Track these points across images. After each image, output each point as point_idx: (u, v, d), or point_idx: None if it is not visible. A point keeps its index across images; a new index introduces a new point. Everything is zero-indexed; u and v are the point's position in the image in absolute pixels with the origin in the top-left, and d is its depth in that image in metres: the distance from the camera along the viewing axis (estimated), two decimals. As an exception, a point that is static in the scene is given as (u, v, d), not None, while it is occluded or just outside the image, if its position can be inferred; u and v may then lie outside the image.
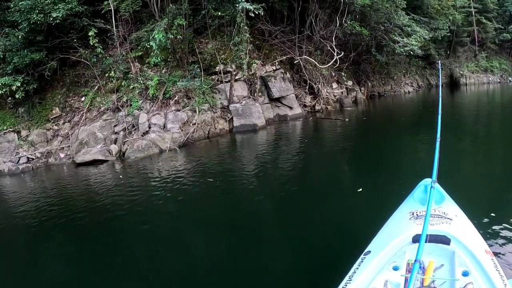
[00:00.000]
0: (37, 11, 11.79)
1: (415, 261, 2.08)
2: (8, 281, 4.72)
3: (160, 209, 6.61)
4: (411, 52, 17.08)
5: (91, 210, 7.01)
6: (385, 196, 5.73)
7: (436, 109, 3.81)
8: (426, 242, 2.40)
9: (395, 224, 3.09)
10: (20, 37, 12.11)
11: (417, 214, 3.00)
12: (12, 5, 12.12)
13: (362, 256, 2.71)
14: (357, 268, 2.55)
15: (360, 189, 6.27)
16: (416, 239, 2.57)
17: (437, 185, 3.22)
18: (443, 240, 2.51)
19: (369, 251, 2.74)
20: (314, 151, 10.40)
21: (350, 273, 2.52)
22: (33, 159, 12.42)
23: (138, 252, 5.10)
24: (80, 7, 12.57)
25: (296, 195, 6.60)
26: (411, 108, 17.40)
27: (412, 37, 16.64)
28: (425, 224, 2.36)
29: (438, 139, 3.36)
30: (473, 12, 26.17)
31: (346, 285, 2.39)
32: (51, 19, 11.90)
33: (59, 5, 11.99)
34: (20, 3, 11.64)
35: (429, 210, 2.50)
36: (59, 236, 6.24)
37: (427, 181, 3.37)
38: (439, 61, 6.49)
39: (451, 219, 2.86)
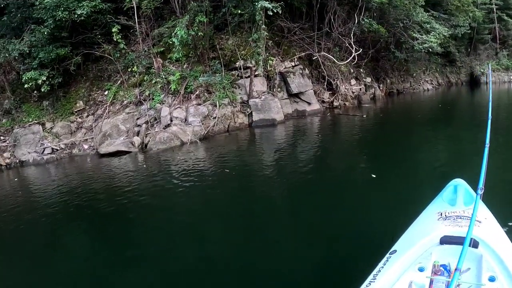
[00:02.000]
0: (62, 9, 12.49)
1: (456, 269, 1.98)
2: (31, 267, 5.06)
3: (179, 199, 6.96)
4: (430, 49, 17.26)
5: (113, 199, 7.47)
6: (402, 191, 5.90)
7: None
8: (454, 244, 2.47)
9: (422, 224, 3.07)
10: (45, 33, 12.78)
11: (445, 215, 2.96)
12: (37, 3, 12.77)
13: (387, 255, 2.72)
14: (382, 267, 2.55)
15: (374, 176, 6.62)
16: (444, 240, 2.56)
17: (466, 185, 3.29)
18: (471, 243, 2.40)
19: (395, 250, 2.74)
20: (331, 145, 10.75)
21: (374, 272, 2.54)
22: (57, 150, 13.14)
23: (156, 241, 5.34)
24: (103, 4, 13.20)
25: (313, 187, 6.77)
26: (430, 106, 17.55)
27: (431, 34, 16.79)
28: (470, 227, 2.29)
29: (487, 145, 3.21)
30: (495, 9, 26.11)
31: (370, 283, 2.40)
32: (76, 16, 12.60)
33: (83, 2, 12.66)
34: (45, 1, 12.30)
35: (474, 216, 2.42)
36: (81, 224, 6.61)
37: (456, 181, 3.36)
38: (489, 64, 6.47)
39: (480, 222, 2.78)
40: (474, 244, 2.42)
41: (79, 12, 12.52)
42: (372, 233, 4.49)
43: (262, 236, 5.02)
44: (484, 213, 2.99)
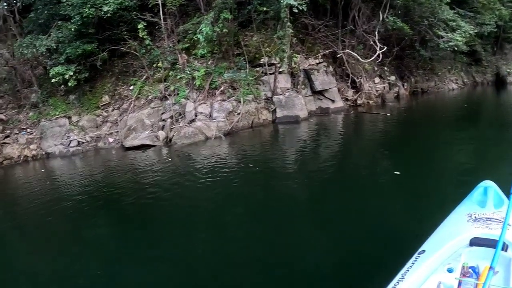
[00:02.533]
0: (89, 5, 12.87)
1: (490, 268, 2.02)
2: (56, 255, 5.31)
3: (202, 192, 7.16)
4: (456, 48, 17.05)
5: (137, 191, 7.77)
6: (428, 190, 5.90)
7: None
8: (483, 246, 2.47)
9: (451, 225, 3.08)
10: (72, 29, 13.18)
11: (475, 217, 2.96)
12: (64, 0, 13.17)
13: (416, 254, 2.74)
14: (410, 266, 2.57)
15: (398, 172, 6.67)
16: (473, 242, 2.56)
17: (496, 188, 3.29)
18: (502, 246, 2.42)
19: (424, 250, 2.75)
20: (355, 143, 10.81)
21: (403, 271, 2.55)
22: (83, 142, 13.53)
23: (178, 233, 5.50)
24: (129, 1, 13.56)
25: (336, 184, 6.89)
26: (455, 106, 17.33)
27: (457, 32, 16.58)
28: (503, 230, 2.31)
29: None
30: (523, 7, 25.63)
31: (398, 283, 2.42)
32: (102, 12, 12.95)
33: (110, -1, 12.96)
34: (72, -2, 12.62)
35: (508, 219, 2.44)
36: (106, 214, 6.91)
37: (486, 183, 3.37)
38: None
39: (510, 225, 2.73)
40: (504, 247, 2.42)
41: (105, 9, 12.87)
42: (398, 231, 4.50)
43: (285, 233, 5.04)
44: None
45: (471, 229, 2.76)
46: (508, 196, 3.04)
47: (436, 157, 8.18)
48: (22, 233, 6.62)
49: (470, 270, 2.37)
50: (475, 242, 2.55)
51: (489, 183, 3.35)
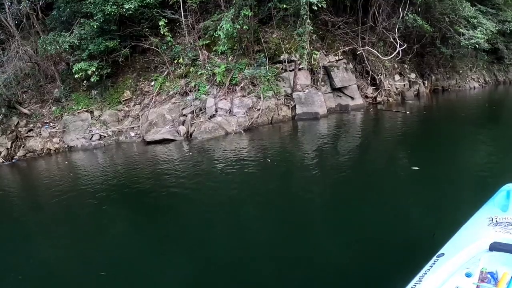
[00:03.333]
0: (111, 3, 13.27)
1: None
2: (77, 244, 5.54)
3: (220, 187, 7.33)
4: (477, 46, 16.99)
5: (158, 183, 8.05)
6: (447, 191, 5.84)
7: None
8: (504, 251, 2.46)
9: (472, 228, 3.05)
10: (95, 26, 13.63)
11: (496, 221, 2.93)
12: (87, -2, 13.55)
13: (434, 257, 2.73)
14: (428, 269, 2.57)
15: (416, 168, 6.78)
16: (493, 247, 2.55)
17: None
18: None
19: (443, 254, 2.74)
20: (374, 141, 10.87)
21: (420, 274, 2.55)
22: (104, 136, 14.01)
23: (196, 225, 5.65)
24: (150, -1, 13.91)
25: (354, 182, 6.82)
26: (476, 105, 17.21)
27: (478, 29, 16.53)
28: None
29: None
30: (548, 5, 25.29)
31: (415, 285, 2.43)
32: (124, 10, 13.35)
33: (131, -3, 13.32)
34: (95, -4, 13.03)
35: None
36: (124, 206, 7.21)
37: (510, 186, 3.33)
38: None
39: None
40: None
41: (127, 6, 13.26)
42: (417, 232, 4.48)
43: (301, 229, 5.10)
44: None
45: (492, 234, 2.75)
46: None
47: (456, 157, 8.05)
48: (51, 222, 6.92)
49: (488, 275, 2.35)
50: (495, 247, 2.53)
51: (511, 186, 3.30)
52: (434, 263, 2.63)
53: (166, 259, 4.67)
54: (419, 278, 2.49)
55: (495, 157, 7.72)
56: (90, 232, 5.98)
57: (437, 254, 2.77)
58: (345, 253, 4.32)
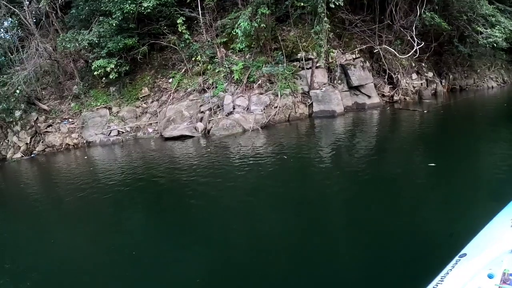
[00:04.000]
0: (130, 1, 13.59)
1: None
2: (93, 236, 5.79)
3: (237, 182, 7.49)
4: (495, 44, 16.94)
5: (176, 178, 8.30)
6: (466, 191, 5.81)
7: None
8: None
9: (495, 229, 3.07)
10: (114, 24, 13.95)
11: None
12: (105, -4, 13.84)
13: (457, 257, 2.75)
14: (451, 269, 2.59)
15: (433, 164, 6.83)
16: None
17: None
18: None
19: (465, 254, 2.77)
20: (390, 139, 10.94)
21: (442, 273, 2.57)
22: (123, 132, 14.36)
23: (211, 219, 5.76)
24: (168, -3, 14.17)
25: (370, 179, 6.83)
26: (495, 105, 17.13)
27: (496, 28, 16.47)
28: None
29: None
30: None
31: (437, 285, 2.45)
32: (142, 8, 13.67)
33: (149, -5, 13.60)
34: (113, -6, 13.32)
35: None
36: (140, 200, 7.39)
37: None
38: None
39: None
40: None
41: (145, 4, 13.57)
42: (434, 231, 4.47)
43: (317, 227, 5.11)
44: None
45: None
46: None
47: (475, 156, 7.99)
48: (72, 214, 7.17)
49: (511, 277, 2.37)
50: None
51: None
52: (456, 263, 2.66)
53: (186, 251, 4.80)
54: (441, 278, 2.51)
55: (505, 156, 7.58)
56: (109, 226, 6.21)
57: (459, 254, 2.80)
58: (364, 252, 4.28)
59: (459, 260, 2.68)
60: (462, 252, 2.81)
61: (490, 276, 2.41)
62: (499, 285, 2.31)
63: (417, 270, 3.44)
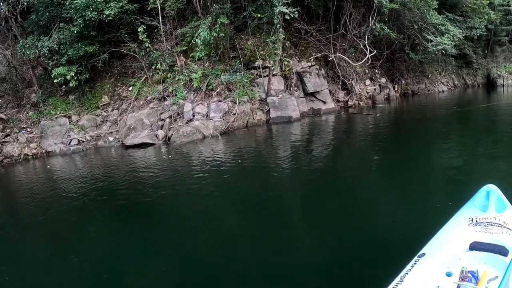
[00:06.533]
0: (91, 9, 13.81)
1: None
2: (55, 250, 5.69)
3: (198, 188, 7.71)
4: (444, 51, 18.31)
5: (135, 186, 8.39)
6: (416, 191, 6.17)
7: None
8: (483, 251, 2.56)
9: (452, 228, 3.16)
10: (75, 31, 14.16)
11: (476, 221, 3.05)
12: (67, 3, 14.04)
13: (415, 258, 2.81)
14: (410, 269, 2.64)
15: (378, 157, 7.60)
16: (473, 246, 2.64)
17: (498, 192, 3.39)
18: (501, 251, 2.54)
19: (424, 254, 2.83)
20: (345, 142, 11.82)
21: (402, 274, 2.61)
22: (83, 141, 14.65)
23: (174, 227, 5.88)
24: (129, 5, 14.57)
25: (326, 182, 7.27)
26: (444, 107, 18.17)
27: (445, 36, 17.79)
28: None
29: None
30: (512, 11, 26.91)
31: (397, 285, 2.49)
32: (104, 16, 13.96)
33: (111, 3, 14.04)
34: (75, 1, 13.60)
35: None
36: (103, 211, 7.33)
37: (489, 187, 3.44)
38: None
39: (511, 230, 2.87)
40: (504, 252, 2.54)
41: (107, 12, 13.87)
42: (399, 234, 4.62)
43: (276, 228, 5.31)
44: None
45: (472, 233, 2.87)
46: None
47: (424, 158, 8.52)
48: (26, 229, 7.01)
49: (469, 274, 2.41)
50: (475, 246, 2.64)
51: (491, 187, 3.43)
52: (415, 263, 2.73)
53: (147, 258, 4.85)
54: (401, 278, 2.56)
55: (467, 158, 8.22)
56: (68, 237, 6.16)
57: (418, 254, 2.87)
58: (322, 257, 4.39)
59: (418, 260, 2.75)
60: (421, 252, 2.89)
61: (449, 274, 2.47)
62: (458, 282, 2.37)
63: (376, 271, 3.63)
